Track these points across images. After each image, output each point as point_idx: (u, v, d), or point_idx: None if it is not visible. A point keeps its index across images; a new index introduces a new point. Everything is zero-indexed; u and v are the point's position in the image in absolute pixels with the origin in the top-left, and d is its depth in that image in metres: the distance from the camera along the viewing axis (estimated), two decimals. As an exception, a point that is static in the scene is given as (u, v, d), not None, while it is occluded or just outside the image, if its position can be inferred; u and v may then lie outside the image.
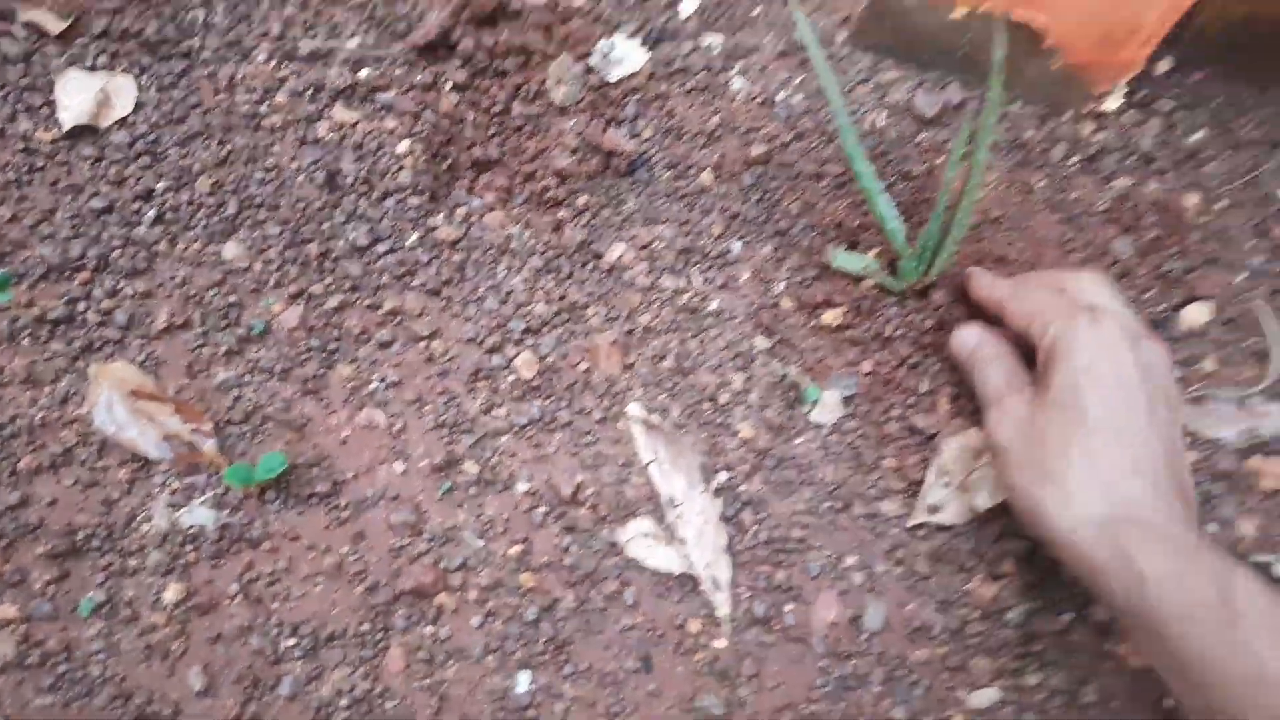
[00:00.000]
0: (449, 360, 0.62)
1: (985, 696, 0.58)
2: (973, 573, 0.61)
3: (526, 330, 0.64)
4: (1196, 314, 0.72)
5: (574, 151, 0.69)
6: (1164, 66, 0.79)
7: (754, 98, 0.74)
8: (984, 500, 0.60)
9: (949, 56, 0.75)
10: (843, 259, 0.68)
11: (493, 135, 0.69)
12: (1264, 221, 0.75)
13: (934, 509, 0.61)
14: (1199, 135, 0.77)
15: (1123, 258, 0.73)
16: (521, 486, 0.59)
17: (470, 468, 0.59)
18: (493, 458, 0.60)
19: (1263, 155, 0.78)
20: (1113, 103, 0.76)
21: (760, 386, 0.65)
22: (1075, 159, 0.75)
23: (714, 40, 0.75)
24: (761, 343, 0.67)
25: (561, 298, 0.65)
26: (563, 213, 0.68)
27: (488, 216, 0.67)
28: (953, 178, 0.64)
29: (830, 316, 0.68)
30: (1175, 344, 0.71)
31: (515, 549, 0.57)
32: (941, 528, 0.62)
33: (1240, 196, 0.76)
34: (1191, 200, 0.75)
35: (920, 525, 0.61)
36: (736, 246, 0.69)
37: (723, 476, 0.62)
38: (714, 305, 0.67)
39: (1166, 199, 0.75)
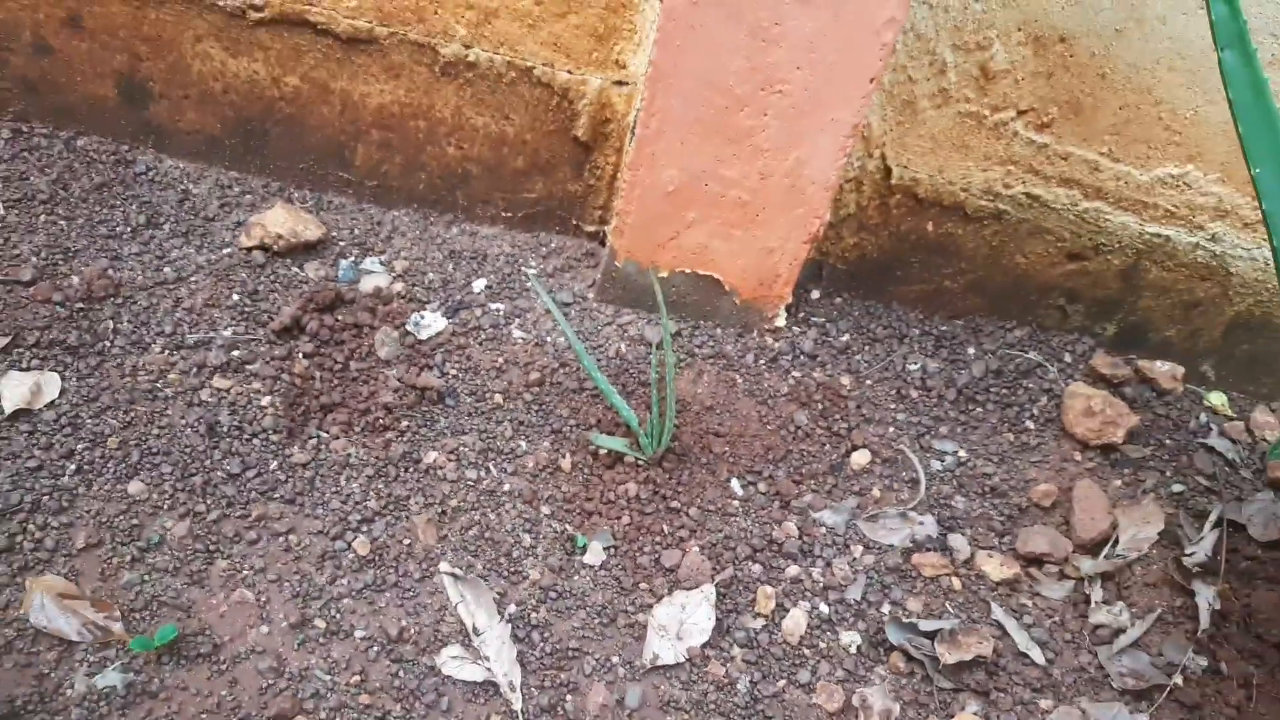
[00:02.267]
0: (302, 549, 0.83)
1: (722, 747, 0.77)
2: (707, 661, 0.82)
3: (362, 520, 0.86)
4: (860, 458, 1.00)
5: (396, 391, 0.95)
6: (816, 294, 1.14)
7: (530, 341, 1.03)
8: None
9: (665, 301, 1.07)
10: (602, 440, 0.94)
11: (335, 386, 0.95)
12: (900, 390, 1.07)
13: (655, 657, 0.82)
14: (845, 337, 1.10)
15: (803, 424, 1.02)
16: (360, 633, 0.79)
17: (319, 623, 0.79)
18: (337, 615, 0.80)
19: (893, 345, 1.11)
20: (780, 321, 1.08)
21: (544, 542, 0.89)
22: (762, 361, 1.07)
23: (499, 306, 1.06)
24: (545, 510, 0.91)
25: (390, 494, 0.88)
26: (390, 435, 0.93)
27: (333, 444, 0.91)
28: (658, 380, 0.92)
29: (600, 478, 0.93)
30: (849, 481, 0.99)
31: (355, 678, 0.76)
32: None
33: (881, 375, 1.08)
34: (846, 380, 1.07)
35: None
36: (523, 444, 0.95)
37: (514, 609, 0.83)
38: (507, 487, 0.91)
39: (828, 382, 1.06)
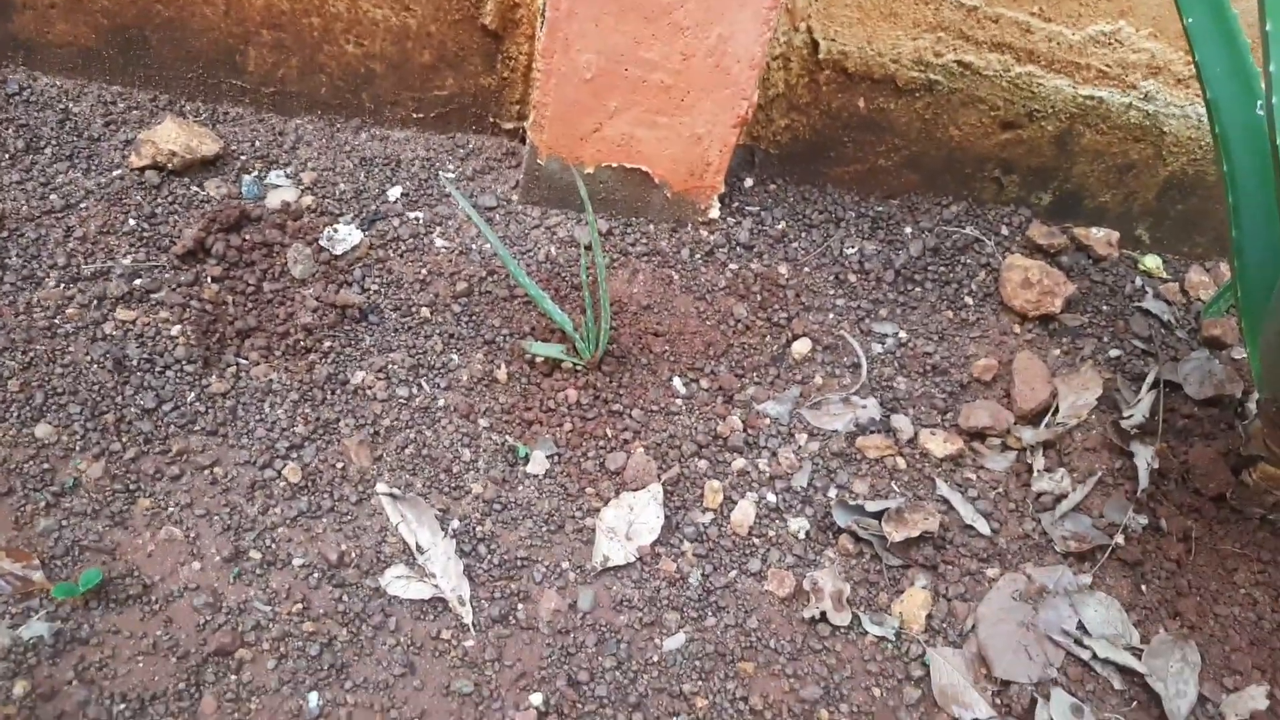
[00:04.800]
0: (230, 481, 0.80)
1: (677, 641, 0.77)
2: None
3: (291, 447, 0.82)
4: (801, 347, 0.99)
5: (315, 311, 0.90)
6: (749, 182, 1.10)
7: (454, 250, 0.98)
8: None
9: (593, 198, 1.03)
10: (537, 347, 0.91)
11: (249, 310, 0.90)
12: (838, 275, 1.05)
13: (605, 559, 0.81)
14: (781, 224, 1.07)
15: (742, 317, 1.00)
16: (298, 561, 0.76)
17: (254, 554, 0.76)
18: (272, 544, 0.77)
19: (830, 230, 1.09)
20: (714, 213, 1.05)
21: (485, 455, 0.86)
22: (698, 255, 1.03)
23: (417, 214, 1.00)
24: (483, 423, 0.88)
25: (318, 418, 0.84)
26: (313, 356, 0.89)
27: (253, 370, 0.86)
28: (590, 283, 0.89)
29: (539, 386, 0.90)
30: (791, 371, 0.97)
31: (297, 607, 0.74)
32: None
33: (818, 261, 1.06)
34: (784, 269, 1.04)
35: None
36: (455, 358, 0.92)
37: (458, 524, 0.81)
38: (442, 403, 0.88)
39: (766, 272, 1.03)
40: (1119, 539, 0.87)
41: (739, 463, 0.90)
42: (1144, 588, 0.85)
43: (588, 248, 0.93)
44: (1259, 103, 0.74)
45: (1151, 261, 1.11)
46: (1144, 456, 0.90)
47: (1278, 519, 0.88)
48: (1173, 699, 0.78)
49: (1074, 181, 1.08)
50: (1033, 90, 1.00)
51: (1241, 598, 0.85)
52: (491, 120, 1.06)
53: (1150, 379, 0.96)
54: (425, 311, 0.93)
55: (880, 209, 1.11)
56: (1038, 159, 1.06)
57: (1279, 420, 0.78)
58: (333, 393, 0.87)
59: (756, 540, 0.85)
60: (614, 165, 0.99)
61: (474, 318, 0.94)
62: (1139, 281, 1.09)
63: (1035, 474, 0.92)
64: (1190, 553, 0.87)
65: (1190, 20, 0.77)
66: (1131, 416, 0.93)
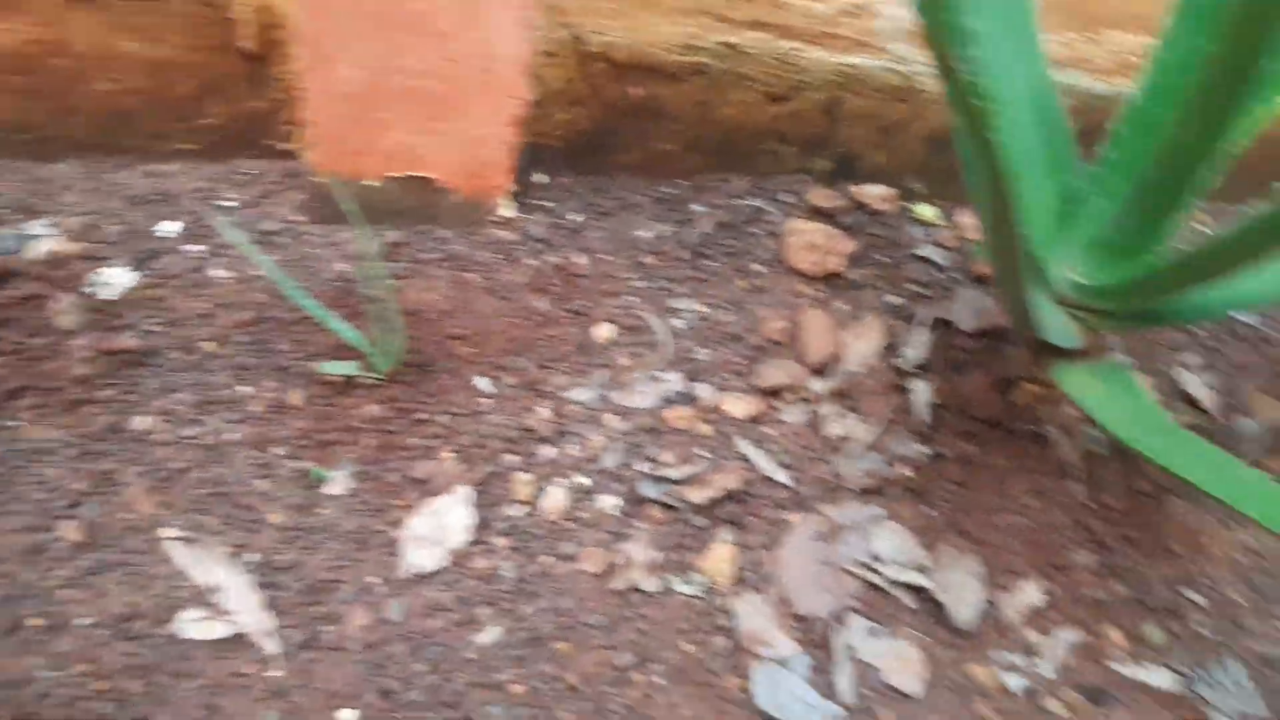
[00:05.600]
0: (3, 550, 0.76)
1: (492, 634, 0.79)
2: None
3: (70, 505, 0.79)
4: (605, 332, 1.01)
5: (88, 361, 0.87)
6: (541, 178, 1.12)
7: (236, 280, 0.96)
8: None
9: (381, 210, 1.02)
10: (328, 367, 0.90)
11: (17, 369, 0.86)
12: (635, 259, 1.08)
13: (415, 567, 0.81)
14: (576, 216, 1.10)
15: (544, 310, 1.01)
16: (84, 621, 0.74)
17: (36, 621, 0.73)
18: (55, 609, 0.74)
19: (624, 216, 1.11)
20: (508, 212, 1.06)
21: (282, 483, 0.85)
22: (496, 255, 1.04)
23: (196, 247, 0.98)
24: (278, 451, 0.87)
25: (98, 471, 0.82)
26: (90, 408, 0.85)
27: (25, 431, 0.83)
28: (375, 293, 0.89)
29: (336, 406, 0.89)
30: (596, 356, 0.99)
31: (84, 667, 0.71)
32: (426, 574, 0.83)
33: (615, 248, 1.08)
34: (582, 260, 1.06)
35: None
36: (245, 389, 0.90)
37: (257, 558, 0.80)
38: (233, 437, 0.86)
39: (565, 264, 1.05)
40: (905, 470, 0.93)
41: (549, 452, 0.91)
42: (930, 511, 0.91)
43: (365, 260, 0.93)
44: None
45: (928, 211, 1.18)
46: (920, 391, 0.97)
47: (1041, 431, 0.96)
48: (958, 606, 0.84)
49: (846, 145, 1.14)
50: (796, 64, 1.05)
51: (1017, 506, 0.92)
52: (268, 143, 1.05)
53: (924, 319, 1.03)
54: (210, 346, 0.91)
55: (670, 191, 1.14)
56: (810, 128, 1.11)
57: (1031, 343, 0.85)
58: (113, 442, 0.84)
59: (569, 524, 0.87)
60: (397, 175, 0.99)
61: (262, 346, 0.93)
62: (916, 231, 1.17)
63: (827, 421, 0.97)
64: (970, 474, 0.94)
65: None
66: (910, 356, 0.99)
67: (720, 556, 0.86)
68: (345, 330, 0.89)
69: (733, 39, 1.00)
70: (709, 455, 0.93)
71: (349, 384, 0.92)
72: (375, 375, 0.91)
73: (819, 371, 1.00)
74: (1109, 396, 0.76)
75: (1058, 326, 0.77)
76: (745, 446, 0.94)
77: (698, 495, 0.88)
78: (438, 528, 0.84)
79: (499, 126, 0.96)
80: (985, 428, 0.96)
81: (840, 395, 0.99)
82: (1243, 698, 0.84)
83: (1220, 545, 0.95)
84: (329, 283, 0.98)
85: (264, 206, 1.03)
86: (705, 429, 0.95)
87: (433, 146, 0.96)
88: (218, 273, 0.96)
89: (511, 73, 0.91)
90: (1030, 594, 0.86)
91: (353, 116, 0.93)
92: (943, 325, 1.04)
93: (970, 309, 1.05)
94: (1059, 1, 1.06)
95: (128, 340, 0.88)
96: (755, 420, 0.97)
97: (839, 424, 0.96)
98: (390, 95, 0.91)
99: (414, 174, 0.99)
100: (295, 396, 0.90)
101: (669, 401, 0.97)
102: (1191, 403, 1.07)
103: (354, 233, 1.02)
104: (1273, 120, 0.74)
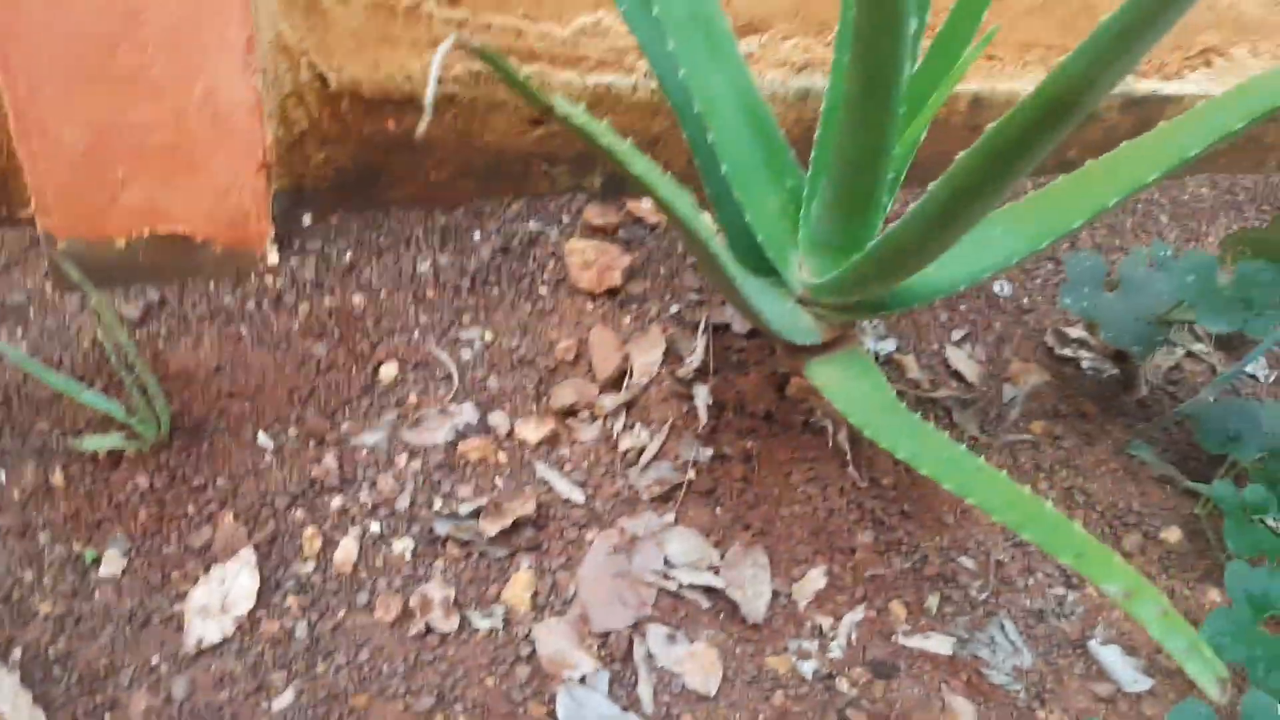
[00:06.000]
0: None
1: (286, 699, 0.78)
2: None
3: None
4: (390, 371, 1.01)
5: None
6: (307, 219, 1.10)
7: (-23, 361, 0.90)
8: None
9: (138, 270, 0.98)
10: (89, 442, 0.86)
11: None
12: (416, 292, 1.08)
13: (200, 640, 0.79)
14: (349, 255, 1.09)
15: (323, 356, 1.00)
16: None
17: None
18: None
19: (400, 251, 1.11)
20: (273, 258, 1.04)
21: (50, 571, 0.81)
22: (266, 304, 1.02)
23: (-73, 332, 0.91)
24: (44, 537, 0.83)
25: None
26: None
27: None
28: (124, 364, 0.86)
29: (105, 482, 0.85)
30: (383, 397, 0.99)
31: None
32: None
33: (394, 284, 1.08)
34: (359, 299, 1.05)
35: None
36: (2, 475, 0.85)
37: (25, 653, 0.76)
38: (-12, 530, 0.82)
39: (340, 305, 1.04)
40: (691, 474, 0.97)
41: (337, 502, 0.91)
42: (718, 511, 0.96)
43: (104, 330, 0.90)
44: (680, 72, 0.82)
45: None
46: (701, 395, 1.01)
47: (814, 421, 1.02)
48: (749, 601, 0.89)
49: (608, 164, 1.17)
50: (547, 86, 1.08)
51: (799, 496, 0.98)
52: (5, 213, 0.99)
53: (701, 325, 1.08)
54: (-46, 435, 0.86)
55: (446, 221, 1.15)
56: (575, 148, 1.14)
57: (780, 341, 0.90)
58: None
59: (363, 573, 0.87)
60: (147, 233, 0.95)
61: (17, 428, 0.88)
62: (695, 237, 1.21)
63: (619, 435, 1.00)
64: (754, 470, 0.99)
65: (624, 9, 0.86)
66: (690, 363, 1.04)
67: (519, 585, 0.88)
68: (99, 400, 0.85)
69: (477, 66, 1.02)
70: (506, 484, 0.94)
71: (117, 458, 0.88)
72: (142, 445, 0.88)
73: (609, 387, 1.03)
74: (849, 387, 0.82)
75: (791, 324, 0.83)
76: (543, 470, 0.96)
77: (493, 526, 0.90)
78: (222, 596, 0.82)
79: (246, 174, 0.94)
80: (763, 423, 1.02)
81: (630, 407, 1.03)
82: (1013, 653, 0.92)
83: (981, 504, 1.05)
84: (87, 352, 0.94)
85: (9, 277, 0.97)
86: (501, 457, 0.97)
87: (178, 200, 0.93)
88: (-45, 355, 0.90)
89: (245, 119, 0.89)
90: (817, 580, 0.92)
91: (85, 178, 0.89)
92: (720, 329, 1.09)
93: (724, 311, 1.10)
94: (794, 6, 1.12)
95: None
96: (551, 442, 0.99)
97: (629, 436, 1.00)
98: (121, 152, 0.88)
99: (165, 230, 0.96)
100: (58, 477, 0.86)
101: (462, 434, 0.98)
102: (958, 377, 1.17)
103: (114, 295, 0.98)
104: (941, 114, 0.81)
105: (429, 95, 0.40)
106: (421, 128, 0.41)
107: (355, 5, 0.94)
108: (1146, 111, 1.37)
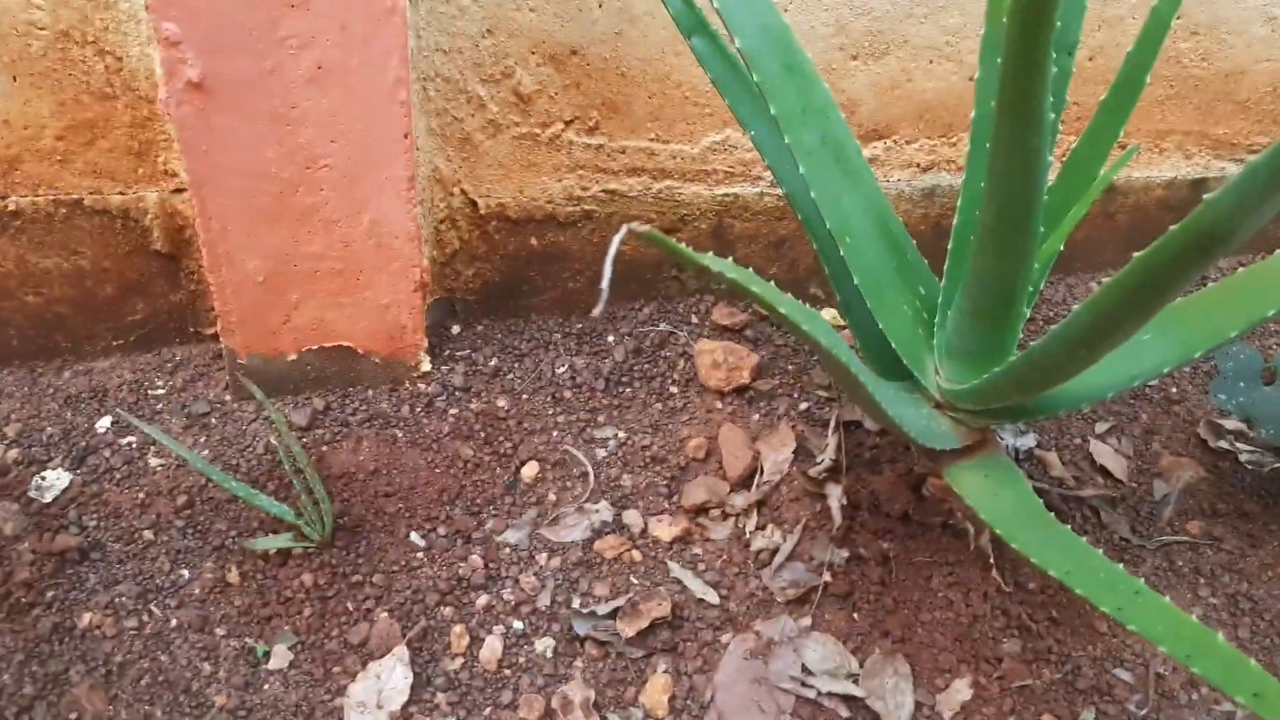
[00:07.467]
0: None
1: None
2: None
3: (19, 711, 0.81)
4: (530, 470, 1.06)
5: (33, 564, 0.90)
6: (456, 329, 1.18)
7: (170, 466, 1.00)
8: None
9: (306, 381, 1.08)
10: (262, 542, 0.94)
11: (-41, 582, 0.89)
12: (554, 394, 1.13)
13: None
14: (494, 361, 1.16)
15: (470, 457, 1.06)
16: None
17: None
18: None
19: (540, 355, 1.17)
20: (426, 366, 1.12)
21: (225, 664, 0.88)
22: (419, 409, 1.10)
23: (129, 439, 1.02)
24: (220, 631, 0.90)
25: (45, 674, 0.84)
26: (36, 611, 0.88)
27: (-31, 643, 0.86)
28: (294, 467, 0.93)
29: (274, 579, 0.93)
30: (524, 496, 1.04)
31: None
32: None
33: (534, 387, 1.14)
34: (503, 402, 1.12)
35: None
36: (185, 573, 0.93)
37: (205, 742, 0.82)
38: (175, 622, 0.90)
39: (486, 408, 1.11)
40: (827, 576, 0.96)
41: (483, 599, 0.95)
42: (856, 615, 0.95)
43: (278, 436, 0.98)
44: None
45: (827, 314, 1.25)
46: (834, 495, 1.01)
47: (955, 522, 1.00)
48: (891, 713, 0.87)
49: (741, 263, 1.20)
50: (677, 199, 1.13)
51: (940, 601, 0.96)
52: (193, 330, 1.10)
53: (832, 423, 1.08)
54: (149, 534, 0.95)
55: (582, 325, 1.21)
56: (702, 251, 1.18)
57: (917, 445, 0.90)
58: (60, 642, 0.87)
59: (507, 671, 0.90)
60: (315, 347, 1.05)
61: (199, 528, 0.96)
62: (822, 334, 1.23)
63: (751, 534, 1.01)
64: (891, 572, 0.98)
65: (753, 133, 0.91)
66: (821, 461, 1.04)
67: (656, 687, 0.89)
68: (272, 505, 0.93)
69: (613, 186, 1.08)
70: (641, 582, 0.97)
71: (285, 556, 0.95)
72: (308, 544, 0.95)
73: (740, 485, 1.05)
74: (993, 495, 0.81)
75: (929, 430, 0.82)
76: (676, 569, 0.98)
77: (630, 628, 0.91)
78: (378, 691, 0.87)
79: (404, 293, 1.02)
80: (900, 524, 1.01)
81: (762, 506, 1.04)
82: (1177, 766, 0.86)
83: (1138, 610, 0.99)
84: (261, 457, 1.03)
85: (194, 389, 1.08)
86: (636, 556, 0.99)
87: (344, 318, 1.02)
88: (152, 461, 1.01)
89: (406, 245, 0.98)
90: (962, 691, 0.89)
91: (264, 302, 0.99)
92: (851, 426, 1.09)
93: (877, 406, 1.10)
94: (917, 111, 1.15)
95: (69, 540, 0.92)
96: (683, 541, 1.01)
97: (761, 536, 1.00)
98: (296, 278, 0.98)
99: (332, 344, 1.05)
100: (233, 574, 0.93)
101: (598, 532, 1.01)
102: (1105, 473, 1.12)
103: (284, 403, 1.07)
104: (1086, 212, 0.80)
105: (604, 279, 0.44)
106: (598, 310, 0.45)
107: (503, 137, 1.02)
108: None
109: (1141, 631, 0.62)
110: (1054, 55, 0.82)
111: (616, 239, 0.45)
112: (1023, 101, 0.52)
